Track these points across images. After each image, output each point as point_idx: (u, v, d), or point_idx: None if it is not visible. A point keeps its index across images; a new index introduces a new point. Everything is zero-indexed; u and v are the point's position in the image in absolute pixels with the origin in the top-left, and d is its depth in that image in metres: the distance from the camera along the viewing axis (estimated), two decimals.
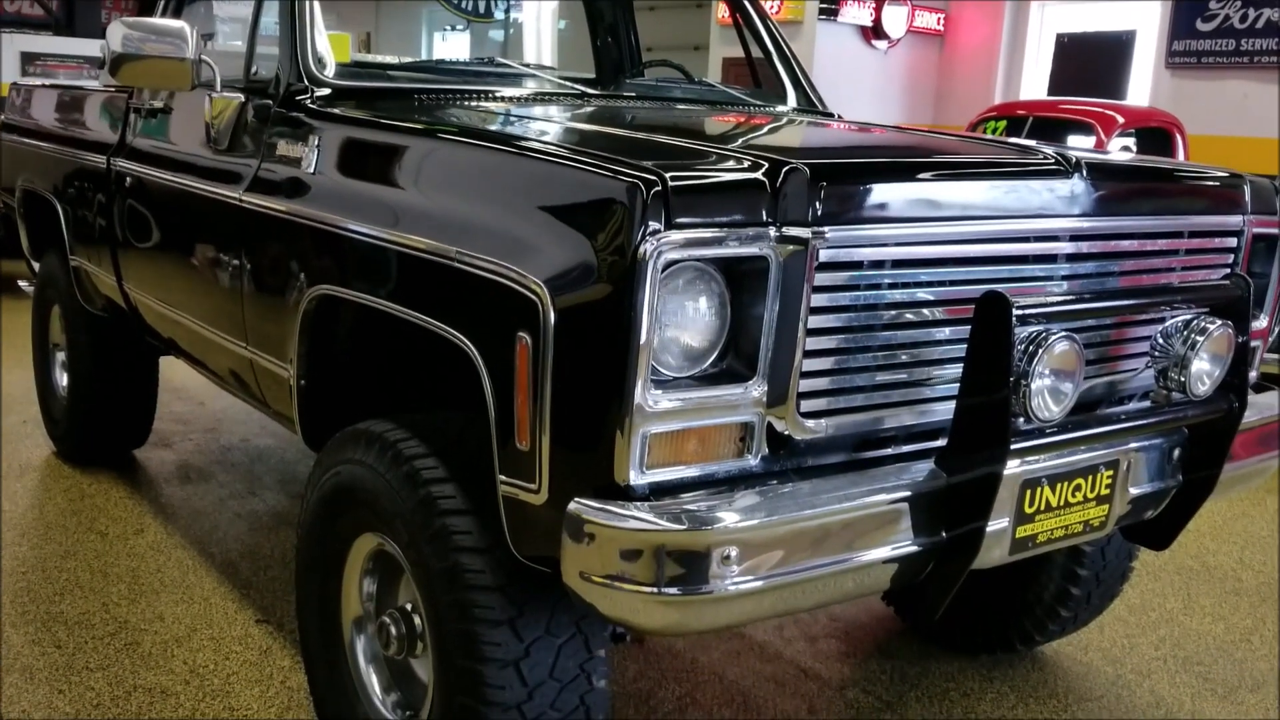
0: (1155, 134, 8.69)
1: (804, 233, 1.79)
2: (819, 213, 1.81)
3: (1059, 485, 2.13)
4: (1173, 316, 2.23)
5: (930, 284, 1.99)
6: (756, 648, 3.25)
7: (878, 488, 1.90)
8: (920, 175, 2.02)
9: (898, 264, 1.94)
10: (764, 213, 1.77)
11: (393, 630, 2.27)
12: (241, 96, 2.87)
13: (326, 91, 2.74)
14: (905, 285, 1.96)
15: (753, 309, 1.80)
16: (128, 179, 3.43)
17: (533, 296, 1.79)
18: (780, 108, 3.46)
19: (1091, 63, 11.96)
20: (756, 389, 1.82)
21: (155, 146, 3.34)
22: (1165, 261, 2.38)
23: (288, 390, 2.62)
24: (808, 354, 1.86)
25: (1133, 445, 2.23)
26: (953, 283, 2.02)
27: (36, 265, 4.63)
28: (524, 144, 2.05)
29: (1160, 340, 2.21)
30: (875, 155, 2.38)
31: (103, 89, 4.12)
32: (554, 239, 1.81)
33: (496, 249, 1.90)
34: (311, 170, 2.51)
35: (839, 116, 3.43)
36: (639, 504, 1.72)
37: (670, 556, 1.70)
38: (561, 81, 3.10)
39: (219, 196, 2.83)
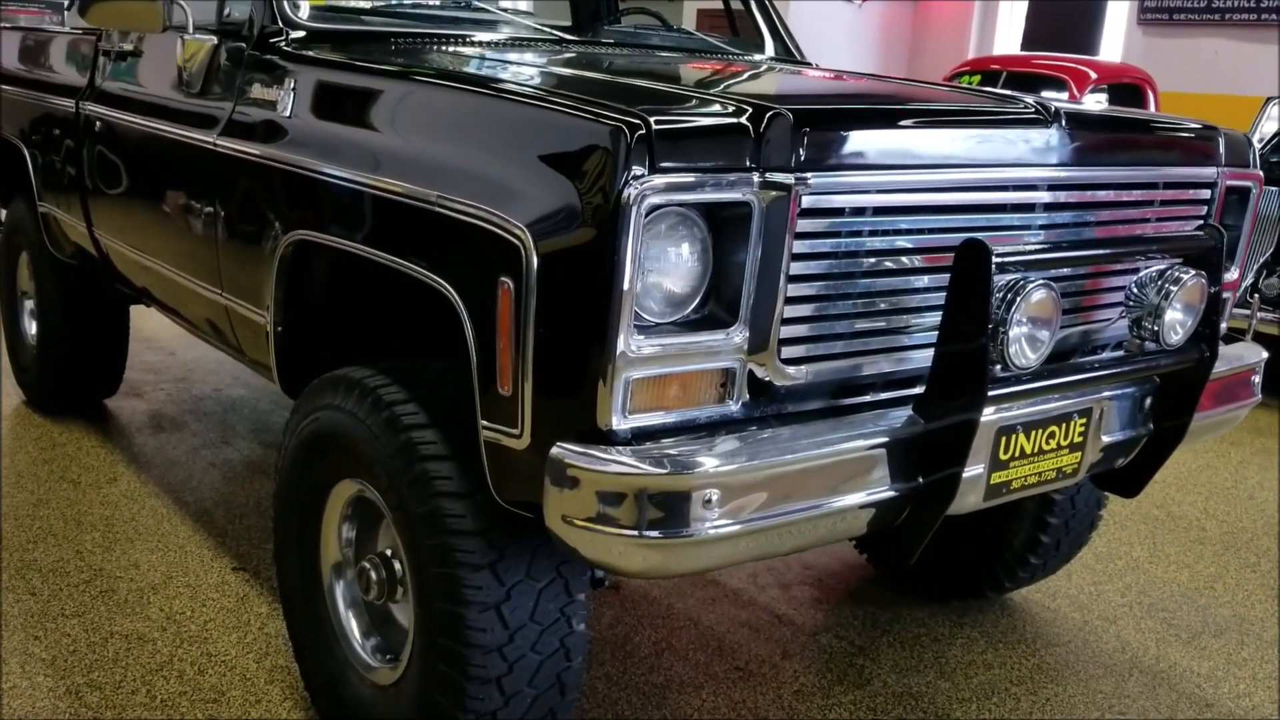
0: (1127, 90, 8.73)
1: (787, 178, 1.79)
2: (802, 159, 1.81)
3: (1033, 432, 2.16)
4: (1147, 267, 2.26)
5: (910, 231, 2.00)
6: (731, 594, 3.29)
7: (856, 433, 1.92)
8: (903, 122, 2.03)
9: (878, 211, 1.95)
10: (747, 158, 1.77)
11: (373, 575, 2.28)
12: (214, 39, 2.83)
13: (301, 34, 2.70)
14: (885, 233, 1.97)
15: (735, 255, 1.81)
16: (97, 123, 3.38)
17: (515, 241, 1.79)
18: (758, 56, 3.45)
19: (1064, 19, 11.96)
20: (738, 335, 1.83)
21: (125, 90, 3.28)
22: (1140, 213, 2.40)
23: (264, 337, 2.61)
24: (789, 300, 1.87)
25: (1105, 394, 2.26)
26: (932, 230, 2.03)
27: (2, 212, 4.56)
28: (506, 88, 2.04)
29: (1135, 290, 2.24)
30: (857, 102, 2.38)
31: (70, 31, 4.04)
32: (536, 183, 1.81)
33: (478, 193, 1.89)
34: (287, 114, 2.48)
35: (816, 65, 3.42)
36: (621, 448, 1.73)
37: (652, 500, 1.71)
38: (538, 27, 3.07)
39: (192, 141, 2.79)
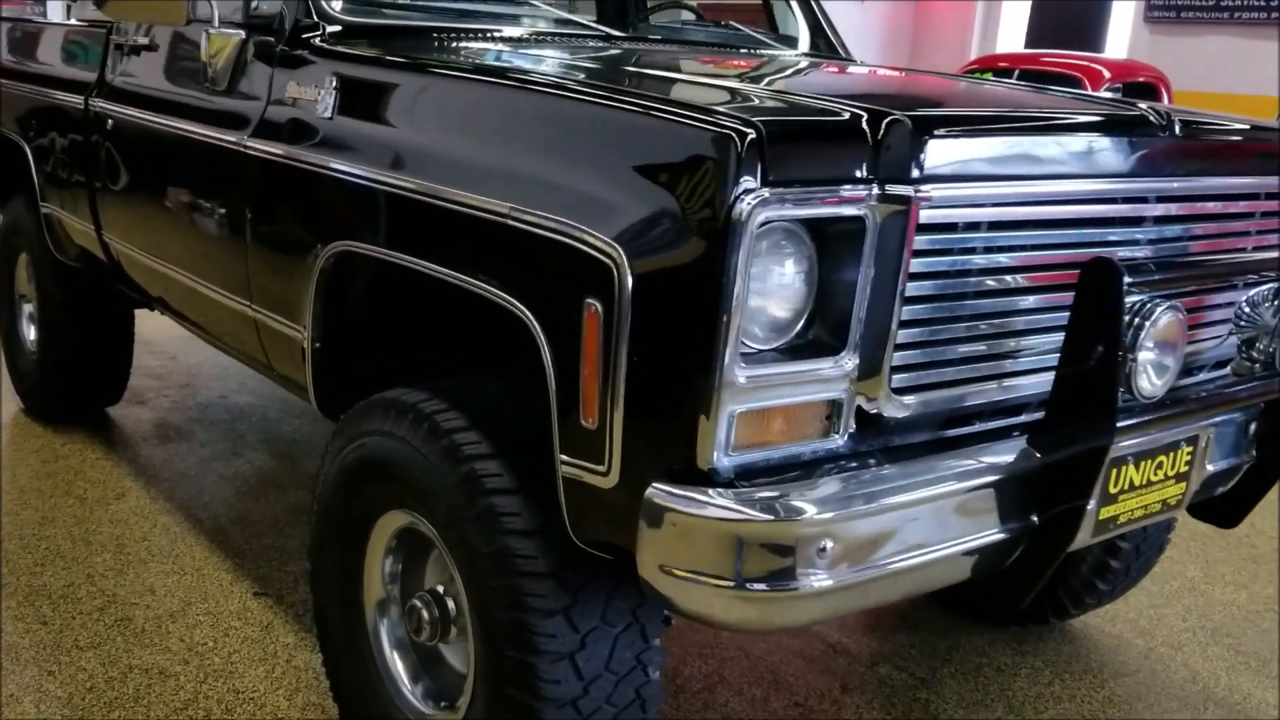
0: (1142, 88, 8.60)
1: (906, 191, 1.63)
2: (922, 169, 1.65)
3: (1143, 463, 2.00)
4: (1257, 284, 2.11)
5: (1022, 248, 1.84)
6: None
7: (972, 470, 1.76)
8: (1022, 129, 1.86)
9: (991, 226, 1.78)
10: (864, 169, 1.61)
11: (424, 614, 2.11)
12: (242, 34, 2.64)
13: (336, 29, 2.52)
14: (997, 249, 1.80)
15: (843, 274, 1.64)
16: (109, 121, 3.18)
17: (605, 260, 1.62)
18: (805, 53, 3.28)
19: (1069, 17, 11.84)
20: (847, 362, 1.66)
21: (142, 86, 3.09)
22: (1242, 225, 2.25)
23: (299, 352, 2.43)
24: (901, 324, 1.70)
25: (1213, 420, 2.10)
26: (1045, 246, 1.87)
27: None
28: (587, 90, 1.86)
29: (1247, 309, 2.09)
30: (968, 107, 2.19)
31: (76, 24, 3.84)
32: (630, 196, 1.63)
33: (558, 206, 1.72)
34: (327, 115, 2.30)
35: (863, 62, 3.26)
36: (726, 491, 1.57)
37: (763, 549, 1.55)
38: (583, 22, 2.89)
39: (219, 142, 2.60)
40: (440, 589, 2.13)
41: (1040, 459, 1.82)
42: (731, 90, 1.96)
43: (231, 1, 2.67)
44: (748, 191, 1.51)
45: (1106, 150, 1.94)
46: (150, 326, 5.13)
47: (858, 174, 1.60)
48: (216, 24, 2.66)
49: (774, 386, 1.61)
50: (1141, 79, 8.67)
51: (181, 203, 2.83)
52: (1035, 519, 1.84)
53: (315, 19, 2.51)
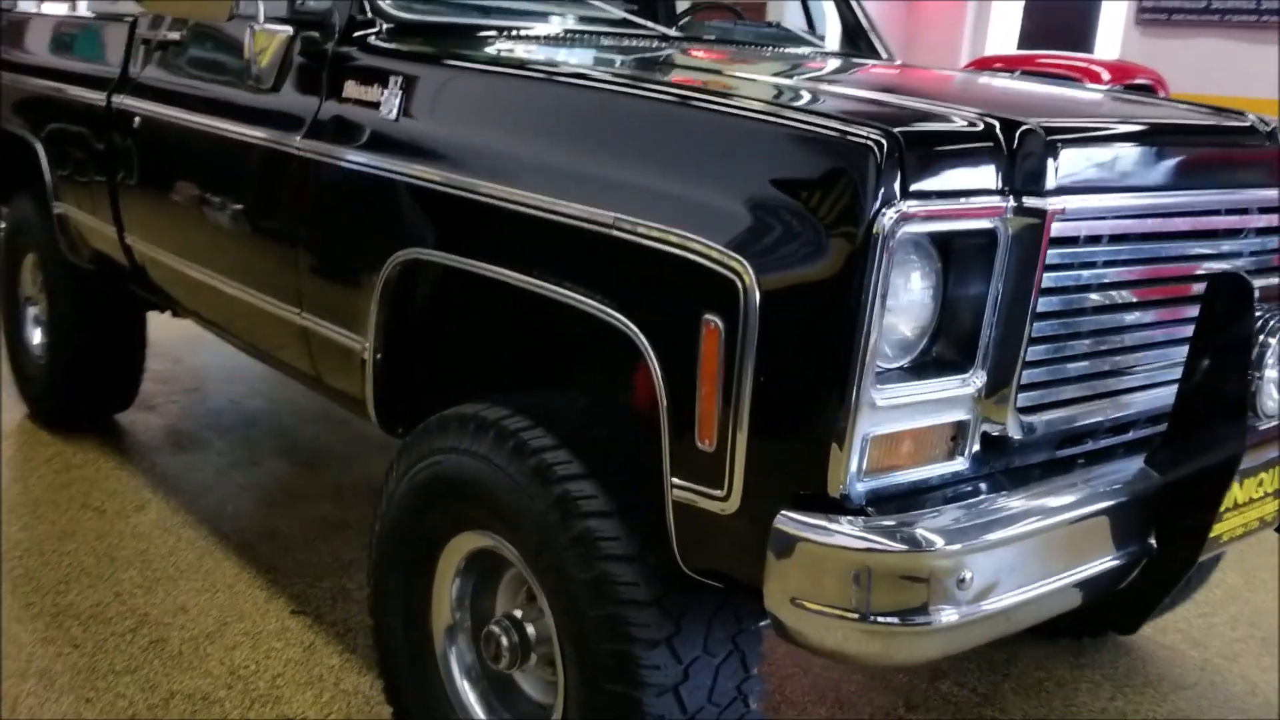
0: (1139, 90, 8.60)
1: (1041, 203, 1.55)
2: (1056, 180, 1.58)
3: (1246, 481, 1.94)
4: None
5: (1137, 260, 1.77)
6: None
7: (1096, 492, 1.70)
8: (1146, 138, 1.79)
9: (1112, 239, 1.71)
10: (1000, 180, 1.53)
11: (503, 641, 2.02)
12: (290, 30, 2.53)
13: (390, 26, 2.42)
14: (1116, 262, 1.74)
15: (970, 289, 1.57)
16: (136, 119, 3.06)
17: (729, 274, 1.53)
18: (849, 53, 3.21)
19: (1061, 18, 11.85)
20: (976, 381, 1.59)
21: (176, 84, 2.97)
22: None
23: (357, 365, 2.33)
24: (1030, 341, 1.63)
25: None
26: (1158, 259, 1.80)
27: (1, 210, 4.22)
28: (711, 98, 1.75)
29: None
30: (1084, 115, 2.11)
31: (89, 16, 3.71)
32: (755, 208, 1.55)
33: (671, 217, 1.63)
34: (393, 117, 2.20)
35: (904, 64, 3.19)
36: (862, 519, 1.49)
37: (904, 581, 1.47)
38: (639, 21, 2.80)
39: (267, 143, 2.50)
40: (518, 614, 2.04)
41: (1160, 478, 1.75)
42: (845, 96, 1.87)
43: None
44: (888, 204, 1.44)
45: (1218, 160, 1.88)
46: (153, 328, 5.01)
47: (994, 185, 1.53)
48: (261, 20, 2.55)
49: (906, 407, 1.54)
50: (1139, 80, 8.68)
51: (220, 205, 2.72)
52: (1153, 541, 1.78)
53: (370, 15, 2.41)
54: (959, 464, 1.63)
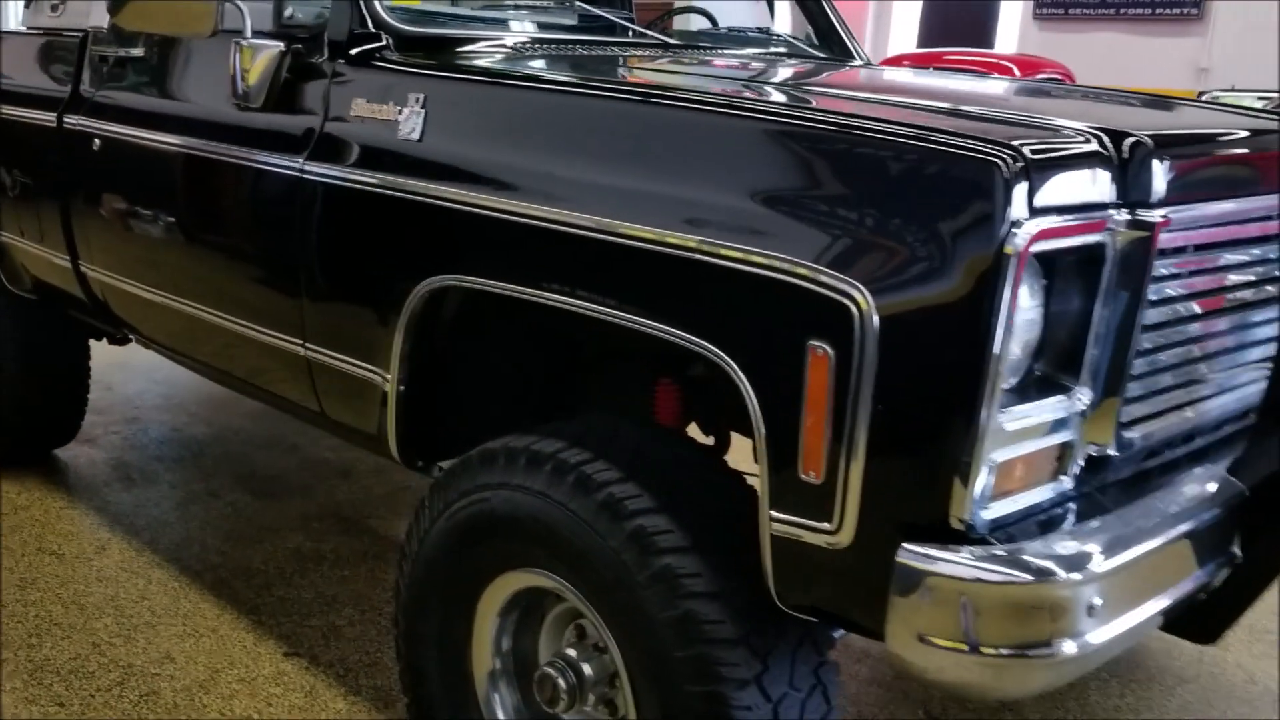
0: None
1: (1151, 216, 1.53)
2: (1164, 191, 1.55)
3: None
4: None
5: (1220, 268, 1.76)
6: (841, 646, 3.00)
7: (1194, 506, 1.68)
8: (1234, 145, 1.79)
9: (1199, 247, 1.70)
10: (1114, 193, 1.50)
11: (560, 682, 1.93)
12: (281, 45, 2.38)
13: (386, 41, 2.30)
14: (1204, 270, 1.72)
15: (1077, 304, 1.53)
16: (95, 141, 2.87)
17: (840, 299, 1.47)
18: (834, 57, 3.17)
19: (960, 15, 12.08)
20: (1083, 398, 1.56)
21: (143, 103, 2.78)
22: None
23: (374, 397, 2.20)
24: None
25: None
26: (1236, 266, 1.80)
27: None
28: (812, 116, 1.67)
29: None
30: (1168, 124, 2.08)
31: (31, 31, 3.47)
32: (867, 229, 1.49)
33: (767, 240, 1.56)
34: (416, 136, 2.08)
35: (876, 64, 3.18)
36: (994, 550, 1.44)
37: (1039, 612, 1.43)
38: (643, 30, 2.72)
39: (263, 165, 2.35)
40: (572, 653, 1.95)
41: (1244, 487, 1.75)
42: (933, 110, 1.82)
43: (260, 4, 2.41)
44: (1019, 222, 1.39)
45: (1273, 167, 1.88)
46: None
47: (1110, 199, 1.50)
48: (249, 35, 2.40)
49: (1024, 430, 1.49)
50: (1047, 74, 8.88)
51: (203, 232, 2.56)
52: (1236, 550, 1.77)
53: (373, 29, 2.28)
54: (1065, 484, 1.60)
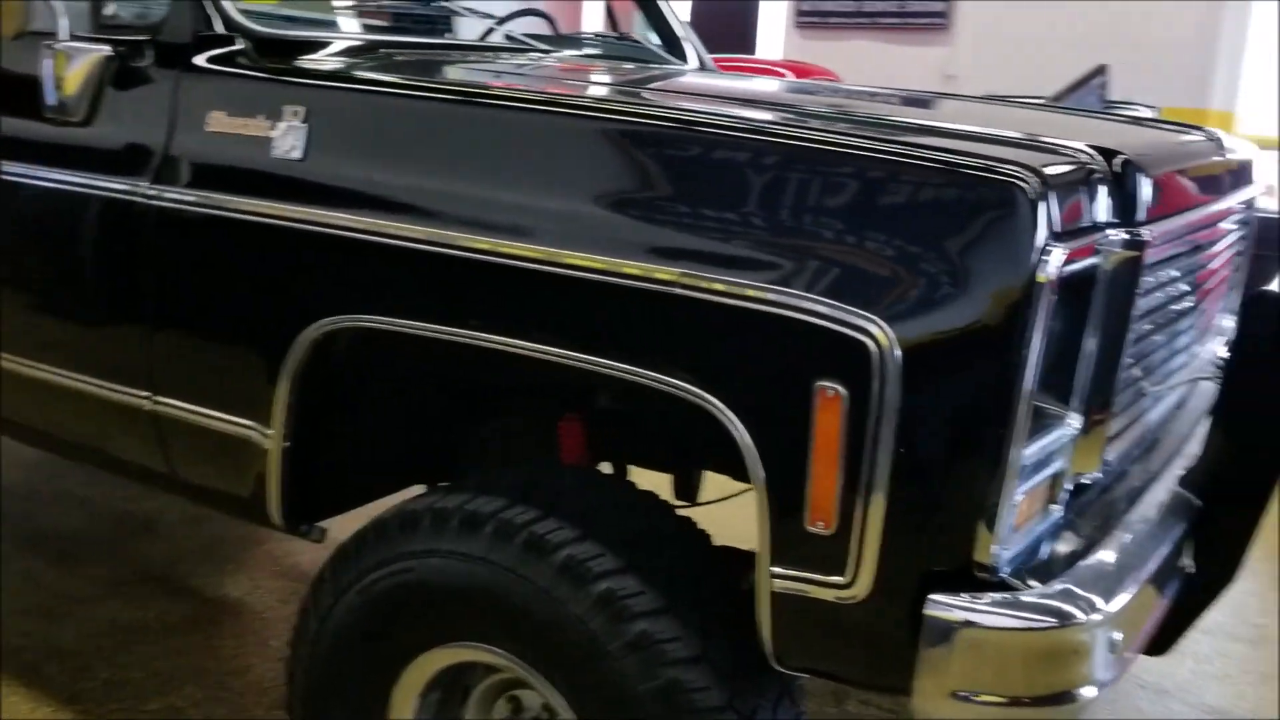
0: None
1: (1145, 233, 1.48)
2: (1150, 209, 1.51)
3: None
4: None
5: (1176, 279, 1.75)
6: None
7: (1167, 525, 1.66)
8: (1197, 159, 1.80)
9: (1163, 260, 1.68)
10: (1114, 212, 1.45)
11: None
12: (106, 49, 2.05)
13: (242, 45, 2.02)
14: (1167, 283, 1.71)
15: (1068, 327, 1.47)
16: None
17: (854, 334, 1.34)
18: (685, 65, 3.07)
19: (723, 21, 12.32)
20: (1075, 425, 1.50)
21: None
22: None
23: (250, 455, 1.92)
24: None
25: None
26: (1191, 273, 1.81)
27: None
28: (808, 134, 1.51)
29: None
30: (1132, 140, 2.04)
31: None
32: (879, 257, 1.36)
33: (761, 272, 1.41)
34: (297, 156, 1.81)
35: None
36: (1031, 594, 1.35)
37: (1075, 655, 1.36)
38: (519, 36, 2.51)
39: (91, 190, 2.01)
40: None
41: (1198, 500, 1.75)
42: (922, 128, 1.72)
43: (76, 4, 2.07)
44: (1046, 250, 1.30)
45: (1222, 171, 1.91)
46: None
47: (1111, 218, 1.44)
48: (65, 37, 2.05)
49: (1036, 463, 1.42)
50: (818, 79, 9.14)
51: (16, 269, 2.18)
52: (1188, 562, 1.77)
53: (222, 30, 1.99)
54: (1056, 513, 1.53)
